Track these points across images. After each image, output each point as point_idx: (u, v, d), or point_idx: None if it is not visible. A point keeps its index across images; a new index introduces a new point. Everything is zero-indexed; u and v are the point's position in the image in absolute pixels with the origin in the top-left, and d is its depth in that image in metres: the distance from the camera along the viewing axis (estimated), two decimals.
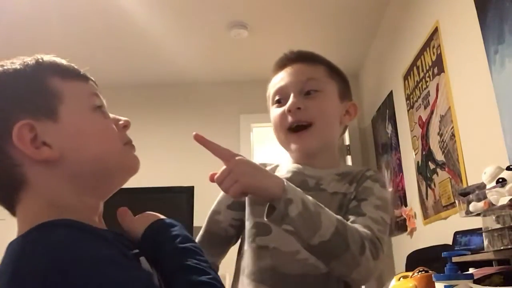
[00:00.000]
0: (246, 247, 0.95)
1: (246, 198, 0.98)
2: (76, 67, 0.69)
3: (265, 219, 0.77)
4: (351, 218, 0.87)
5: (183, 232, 0.67)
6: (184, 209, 2.89)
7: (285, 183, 0.77)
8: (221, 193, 1.00)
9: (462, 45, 1.66)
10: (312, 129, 0.96)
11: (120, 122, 0.71)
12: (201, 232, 1.02)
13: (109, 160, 0.66)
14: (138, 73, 3.32)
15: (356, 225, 0.83)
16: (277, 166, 1.04)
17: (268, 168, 1.01)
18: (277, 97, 1.00)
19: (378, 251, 0.81)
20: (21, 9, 2.43)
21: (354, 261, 0.77)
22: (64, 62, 0.68)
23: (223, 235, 1.00)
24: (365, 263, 0.78)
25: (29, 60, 0.65)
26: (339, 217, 0.80)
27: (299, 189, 0.79)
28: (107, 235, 0.58)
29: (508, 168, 1.10)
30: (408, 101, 2.29)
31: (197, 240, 1.02)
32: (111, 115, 0.71)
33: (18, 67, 0.64)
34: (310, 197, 0.79)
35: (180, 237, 0.65)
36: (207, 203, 1.12)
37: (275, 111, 1.00)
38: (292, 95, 0.97)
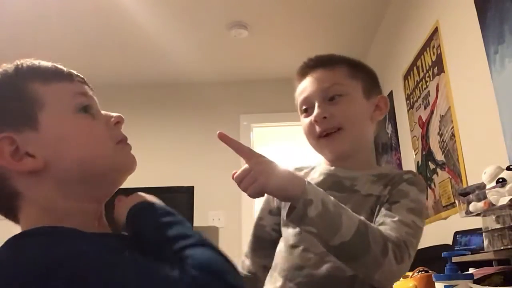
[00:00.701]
0: (279, 245, 0.98)
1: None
2: (60, 66, 0.66)
3: (285, 219, 0.77)
4: (380, 220, 0.85)
5: (164, 209, 0.64)
6: (184, 209, 2.89)
7: (306, 184, 0.76)
8: (264, 199, 1.04)
9: (462, 45, 1.66)
10: (342, 133, 0.96)
11: (112, 119, 0.67)
12: (250, 238, 1.07)
13: (98, 163, 0.63)
14: (138, 73, 3.32)
15: (382, 227, 0.81)
16: (312, 168, 1.04)
17: (303, 171, 1.02)
18: (304, 107, 1.01)
19: (402, 255, 0.78)
20: (21, 9, 2.43)
21: (376, 262, 0.76)
22: (45, 64, 0.65)
23: (269, 238, 1.03)
24: (388, 265, 0.76)
25: (9, 67, 0.64)
26: (361, 218, 0.79)
27: (321, 190, 0.78)
28: (92, 237, 0.56)
29: (508, 168, 1.10)
30: (408, 101, 2.29)
31: (247, 245, 1.07)
32: (103, 112, 0.67)
33: None
34: (332, 198, 0.78)
35: (160, 211, 0.62)
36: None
37: (303, 121, 1.01)
38: (316, 104, 0.97)
